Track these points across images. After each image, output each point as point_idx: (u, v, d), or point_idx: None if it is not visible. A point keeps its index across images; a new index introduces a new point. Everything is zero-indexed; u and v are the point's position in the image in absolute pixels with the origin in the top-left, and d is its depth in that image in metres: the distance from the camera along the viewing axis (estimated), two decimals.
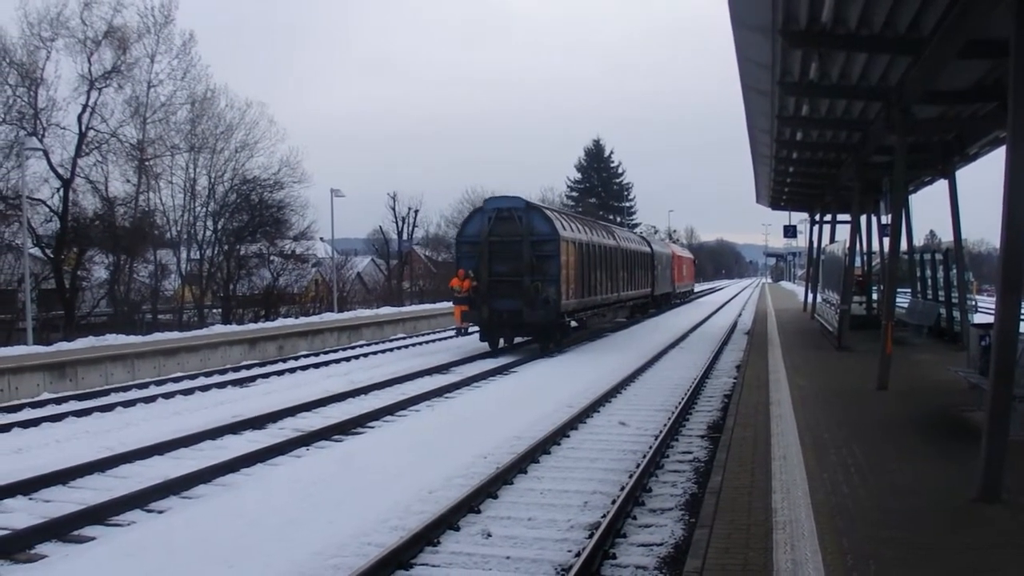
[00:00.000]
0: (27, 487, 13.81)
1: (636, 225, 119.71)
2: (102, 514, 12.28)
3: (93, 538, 11.41)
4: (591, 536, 10.52)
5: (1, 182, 48.01)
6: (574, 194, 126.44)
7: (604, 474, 13.97)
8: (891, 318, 19.78)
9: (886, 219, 33.96)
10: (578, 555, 9.85)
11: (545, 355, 32.62)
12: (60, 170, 51.27)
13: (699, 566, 8.23)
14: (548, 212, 34.42)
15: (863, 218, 36.71)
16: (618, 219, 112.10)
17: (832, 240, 41.85)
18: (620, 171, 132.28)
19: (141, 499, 12.98)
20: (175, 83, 57.05)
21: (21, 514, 12.58)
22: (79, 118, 52.09)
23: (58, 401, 22.73)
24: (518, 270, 32.75)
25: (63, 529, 11.66)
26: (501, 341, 35.07)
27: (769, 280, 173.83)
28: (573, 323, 37.02)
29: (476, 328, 34.58)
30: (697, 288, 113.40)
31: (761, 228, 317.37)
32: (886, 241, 33.35)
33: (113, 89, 54.03)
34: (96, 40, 52.26)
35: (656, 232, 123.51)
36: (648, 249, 56.84)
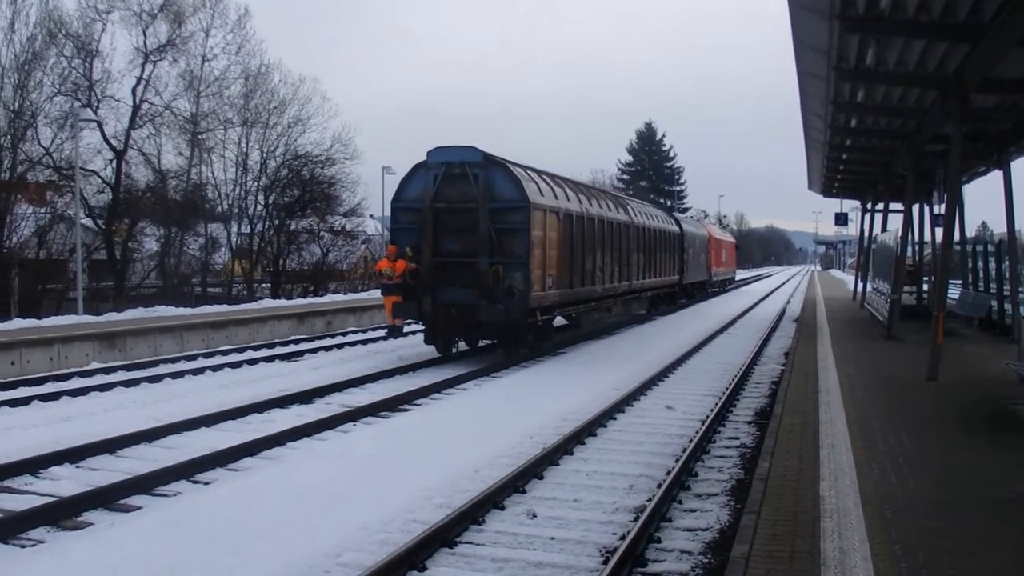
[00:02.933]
0: (75, 455, 13.93)
1: (686, 209, 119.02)
2: (148, 484, 12.37)
3: (139, 507, 11.51)
4: (636, 519, 10.48)
5: (55, 153, 48.43)
6: (625, 176, 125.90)
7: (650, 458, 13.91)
8: (943, 309, 19.58)
9: (939, 209, 33.65)
10: (623, 538, 9.81)
11: (514, 366, 24.45)
12: (113, 142, 51.73)
13: (746, 551, 8.19)
14: (516, 170, 24.70)
15: (915, 207, 36.28)
16: (668, 203, 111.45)
17: (884, 229, 41.51)
18: (671, 155, 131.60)
19: (187, 470, 13.05)
20: (229, 57, 57.29)
21: (68, 482, 12.69)
22: (133, 90, 52.52)
23: (107, 371, 22.95)
24: (473, 248, 23.98)
25: (110, 497, 11.76)
26: (461, 344, 27.45)
27: (818, 268, 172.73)
28: (558, 320, 29.11)
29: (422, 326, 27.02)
30: (741, 275, 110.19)
31: (811, 215, 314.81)
32: (938, 231, 33.06)
33: (168, 62, 54.41)
34: (152, 13, 52.62)
35: (706, 216, 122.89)
36: (676, 228, 47.76)
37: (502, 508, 11.18)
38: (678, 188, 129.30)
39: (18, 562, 9.36)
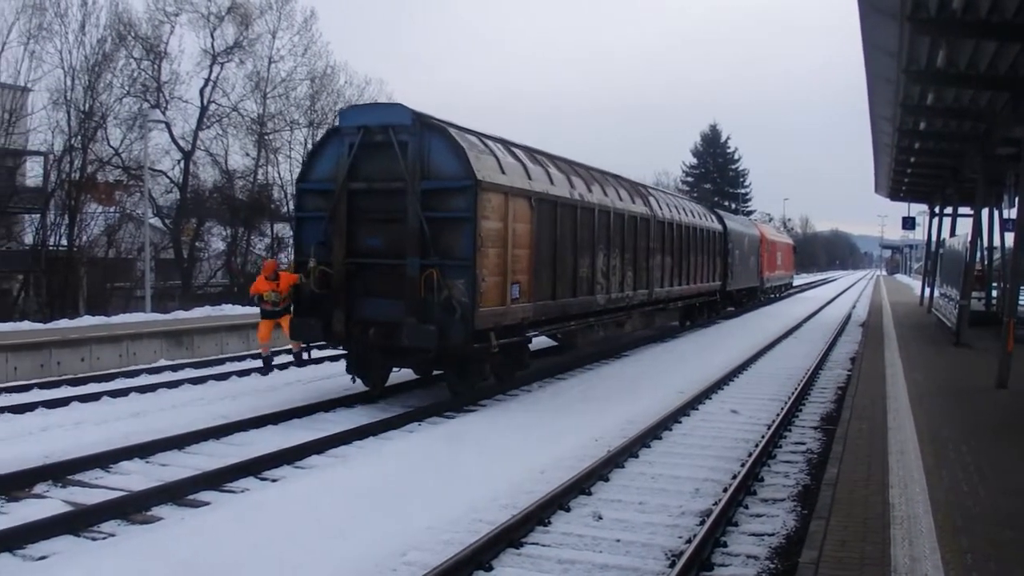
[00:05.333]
0: (144, 450, 14.18)
1: (751, 212, 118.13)
2: (216, 480, 12.54)
3: (208, 503, 11.69)
4: (702, 523, 10.43)
5: (124, 153, 49.17)
6: (689, 179, 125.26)
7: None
8: (1013, 315, 19.29)
9: (1009, 213, 33.17)
10: (689, 541, 9.77)
11: (466, 407, 18.49)
12: (181, 142, 52.51)
13: (815, 557, 8.12)
14: (461, 137, 18.08)
15: (985, 212, 35.76)
16: (733, 205, 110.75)
17: (952, 233, 40.90)
18: (736, 157, 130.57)
19: (255, 467, 13.23)
20: (295, 59, 57.80)
21: (138, 476, 12.94)
22: (201, 92, 53.25)
23: (174, 368, 23.27)
24: (399, 245, 17.77)
25: (178, 493, 11.92)
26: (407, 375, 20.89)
27: (884, 272, 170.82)
28: (540, 341, 23.21)
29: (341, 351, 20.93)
30: (801, 280, 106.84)
31: (877, 219, 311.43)
32: (1008, 236, 32.56)
33: (235, 64, 55.09)
34: (219, 16, 53.32)
35: (770, 219, 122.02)
36: (718, 226, 41.09)
37: None
38: (743, 191, 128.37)
39: (91, 555, 9.51)
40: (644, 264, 28.15)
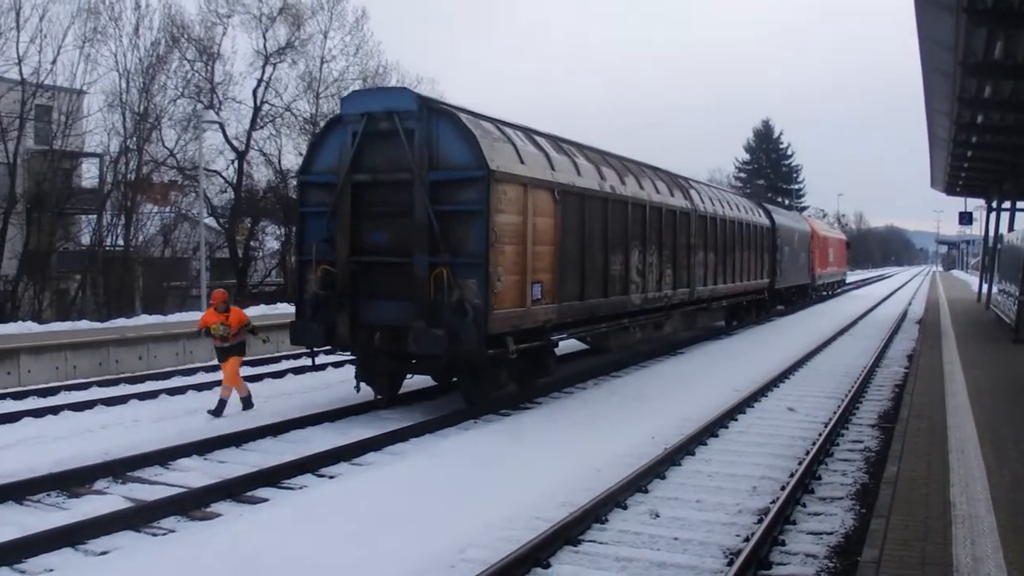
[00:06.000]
0: (202, 447, 14.38)
1: (804, 208, 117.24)
2: (275, 477, 12.68)
3: (266, 499, 11.82)
4: (760, 521, 10.38)
5: (179, 154, 49.63)
6: (742, 175, 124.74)
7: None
8: None
9: None
10: (747, 540, 9.73)
11: (483, 416, 17.36)
12: (235, 142, 52.80)
13: (876, 556, 8.05)
14: (472, 123, 16.70)
15: None
16: (787, 201, 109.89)
17: (1011, 228, 40.37)
18: (789, 152, 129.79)
19: (312, 464, 13.36)
20: (347, 59, 57.79)
21: (196, 473, 13.10)
22: (254, 92, 53.47)
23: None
24: (406, 242, 16.57)
25: (237, 489, 12.06)
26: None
27: (940, 268, 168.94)
28: (554, 348, 19.39)
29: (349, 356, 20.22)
30: (855, 277, 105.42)
31: (933, 215, 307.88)
32: None
33: (287, 64, 55.21)
34: (271, 17, 53.47)
35: (824, 216, 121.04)
36: (765, 221, 39.38)
37: None
38: (796, 187, 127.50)
39: (151, 550, 9.70)
40: (685, 261, 26.67)
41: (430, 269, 16.10)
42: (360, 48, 57.88)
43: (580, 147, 21.39)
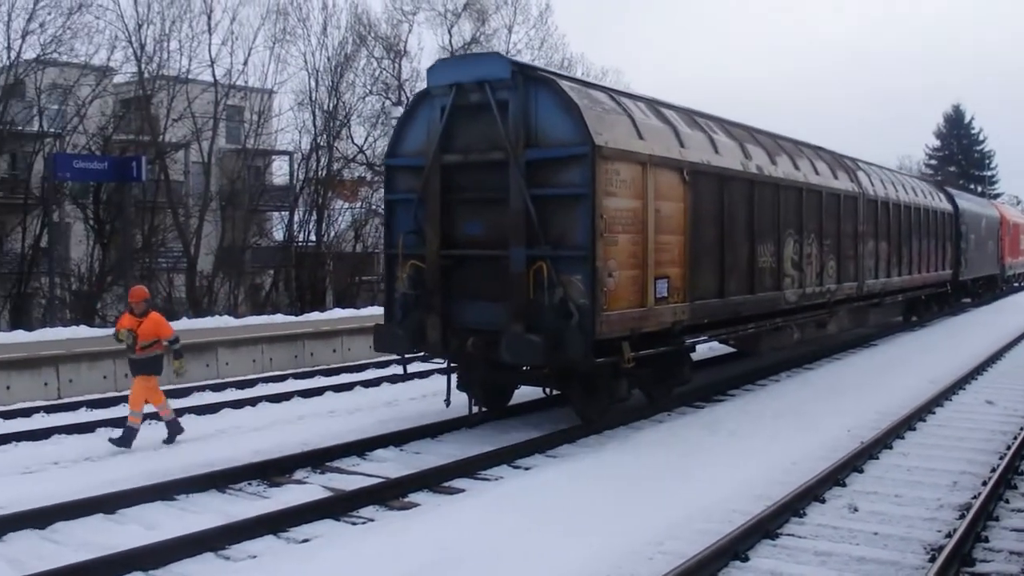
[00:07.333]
0: (397, 439, 14.49)
1: (998, 195, 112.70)
2: (471, 467, 12.75)
3: (463, 490, 11.92)
4: (961, 517, 10.06)
5: (368, 150, 50.69)
6: (932, 162, 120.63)
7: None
8: None
9: None
10: (949, 536, 9.43)
11: (706, 399, 17.58)
12: None
13: None
14: (573, 91, 14.13)
15: None
16: (979, 188, 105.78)
17: None
18: (981, 138, 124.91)
19: (509, 455, 13.39)
20: (532, 52, 57.84)
21: (392, 464, 13.27)
22: None
23: (423, 358, 23.70)
24: (500, 233, 14.18)
25: (433, 480, 12.17)
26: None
27: None
28: (690, 352, 17.22)
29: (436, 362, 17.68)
30: None
31: None
32: None
33: None
34: (456, 13, 54.14)
35: (1019, 203, 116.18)
36: (947, 206, 35.51)
37: None
38: (989, 173, 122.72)
39: (351, 538, 9.90)
40: (851, 252, 23.70)
41: (528, 264, 13.78)
42: (544, 42, 57.98)
43: (721, 122, 18.86)
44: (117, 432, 14.33)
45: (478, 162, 14.45)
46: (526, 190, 13.67)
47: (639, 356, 14.39)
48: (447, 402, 15.20)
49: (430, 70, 15.45)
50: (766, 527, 9.67)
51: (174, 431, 14.57)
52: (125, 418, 14.48)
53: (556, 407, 16.43)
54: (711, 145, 17.10)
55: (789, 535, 9.78)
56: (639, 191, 14.44)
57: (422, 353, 16.01)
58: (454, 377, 15.41)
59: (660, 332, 15.27)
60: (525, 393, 16.83)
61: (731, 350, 21.79)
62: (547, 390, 15.89)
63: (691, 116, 17.52)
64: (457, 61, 16.09)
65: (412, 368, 18.98)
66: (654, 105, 16.57)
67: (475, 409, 15.14)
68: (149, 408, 14.64)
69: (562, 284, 13.50)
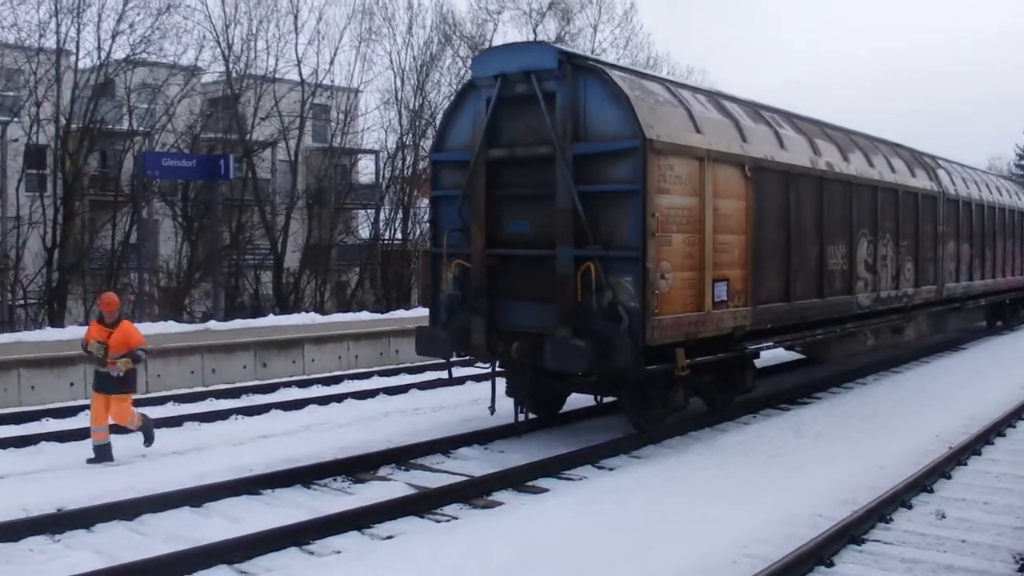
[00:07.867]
0: (481, 437, 14.59)
1: None
2: (555, 467, 12.79)
3: (547, 489, 11.97)
4: None
5: None
6: (1023, 162, 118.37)
7: None
8: None
9: None
10: None
11: (792, 402, 17.59)
12: None
13: None
14: (623, 81, 13.40)
15: None
16: None
17: None
18: None
19: (593, 455, 13.40)
20: (618, 52, 57.67)
21: (476, 462, 13.37)
22: None
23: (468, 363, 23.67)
24: (548, 231, 13.63)
25: (517, 479, 12.24)
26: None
27: None
28: (753, 358, 16.41)
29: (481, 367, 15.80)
30: None
31: None
32: None
33: None
34: (541, 12, 54.10)
35: None
36: None
37: None
38: None
39: (435, 535, 9.95)
40: (930, 254, 22.82)
41: (576, 264, 13.20)
42: (630, 41, 57.77)
43: (789, 116, 18.22)
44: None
45: (524, 156, 13.95)
46: (574, 186, 13.11)
47: (695, 363, 13.87)
48: (491, 409, 14.70)
49: (475, 60, 15.31)
50: (852, 532, 9.58)
51: (150, 435, 13.72)
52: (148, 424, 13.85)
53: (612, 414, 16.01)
54: (776, 140, 16.51)
55: (875, 541, 9.68)
56: (696, 188, 13.87)
57: (467, 357, 15.45)
58: (500, 382, 14.98)
59: (719, 338, 14.65)
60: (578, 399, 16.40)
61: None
62: (598, 398, 15.34)
63: (755, 109, 16.98)
64: (502, 50, 15.31)
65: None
66: (715, 97, 16.07)
67: (521, 417, 14.44)
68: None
69: (611, 286, 12.91)
